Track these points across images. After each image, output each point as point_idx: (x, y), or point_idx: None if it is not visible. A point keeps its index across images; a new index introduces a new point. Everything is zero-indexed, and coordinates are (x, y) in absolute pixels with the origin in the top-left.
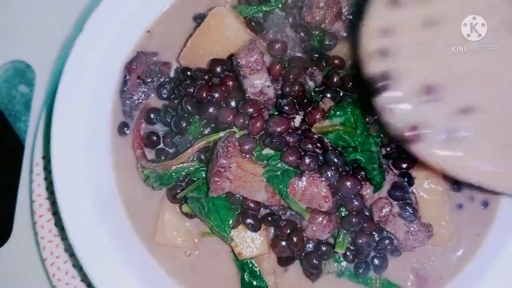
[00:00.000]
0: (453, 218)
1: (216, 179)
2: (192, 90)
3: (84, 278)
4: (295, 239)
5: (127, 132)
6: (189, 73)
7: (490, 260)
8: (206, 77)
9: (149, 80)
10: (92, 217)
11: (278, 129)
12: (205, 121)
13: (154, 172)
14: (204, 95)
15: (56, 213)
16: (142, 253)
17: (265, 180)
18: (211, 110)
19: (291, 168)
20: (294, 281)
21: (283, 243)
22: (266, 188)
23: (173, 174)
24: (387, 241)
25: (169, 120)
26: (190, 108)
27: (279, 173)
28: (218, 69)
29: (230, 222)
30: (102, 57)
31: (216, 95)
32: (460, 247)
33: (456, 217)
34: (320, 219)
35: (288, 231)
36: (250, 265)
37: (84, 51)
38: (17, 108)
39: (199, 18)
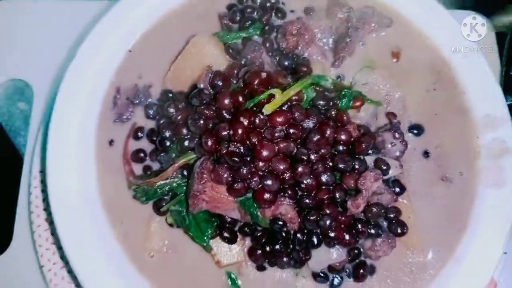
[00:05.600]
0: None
1: (193, 200)
2: (172, 112)
3: (79, 283)
4: (269, 248)
5: (115, 147)
6: (170, 95)
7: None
8: (186, 100)
9: (137, 101)
10: (83, 227)
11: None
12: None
13: (141, 187)
14: (179, 118)
15: (52, 222)
16: (128, 260)
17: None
18: (185, 132)
19: None
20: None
21: (259, 252)
22: (239, 208)
23: (158, 189)
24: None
25: (155, 139)
26: (167, 134)
27: (250, 195)
28: None
29: (209, 233)
30: (92, 79)
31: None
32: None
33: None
34: None
35: (263, 241)
36: (229, 272)
37: (76, 74)
38: (16, 123)
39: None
